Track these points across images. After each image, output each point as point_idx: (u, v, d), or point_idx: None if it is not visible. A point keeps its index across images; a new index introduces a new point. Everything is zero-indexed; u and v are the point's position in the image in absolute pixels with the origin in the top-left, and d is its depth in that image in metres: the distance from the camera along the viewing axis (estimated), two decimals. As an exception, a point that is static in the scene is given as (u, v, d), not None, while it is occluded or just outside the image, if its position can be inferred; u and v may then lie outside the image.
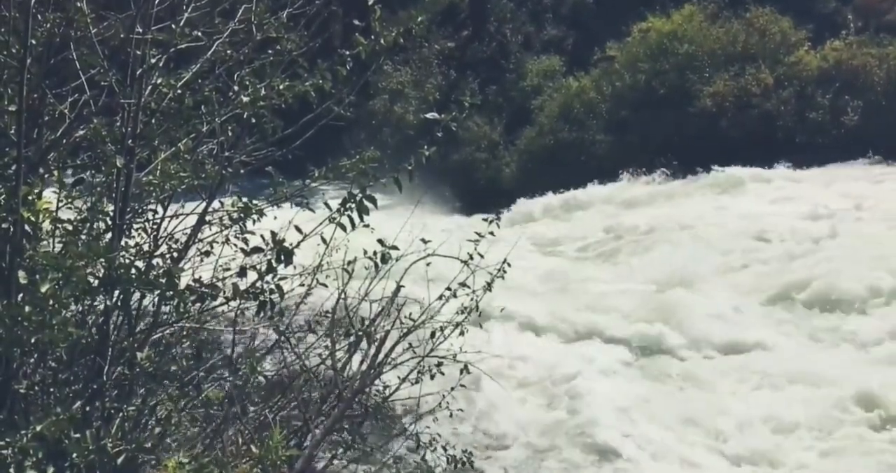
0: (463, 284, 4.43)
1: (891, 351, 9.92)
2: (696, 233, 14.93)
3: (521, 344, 10.99)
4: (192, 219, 3.71)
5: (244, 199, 3.51)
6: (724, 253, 13.63)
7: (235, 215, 3.51)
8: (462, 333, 4.43)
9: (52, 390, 3.05)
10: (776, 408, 8.80)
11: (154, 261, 3.23)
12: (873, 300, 11.32)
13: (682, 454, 8.20)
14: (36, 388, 2.96)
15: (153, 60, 3.29)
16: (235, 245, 3.50)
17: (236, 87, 3.50)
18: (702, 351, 10.66)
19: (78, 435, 2.51)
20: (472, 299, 4.48)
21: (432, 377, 4.49)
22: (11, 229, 2.65)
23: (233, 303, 3.23)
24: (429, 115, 3.81)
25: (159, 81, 3.35)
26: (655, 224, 15.89)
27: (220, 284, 3.13)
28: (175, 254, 3.63)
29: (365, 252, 3.75)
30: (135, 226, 3.61)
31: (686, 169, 19.12)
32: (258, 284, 3.12)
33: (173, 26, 3.42)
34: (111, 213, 3.15)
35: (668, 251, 13.95)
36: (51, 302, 2.53)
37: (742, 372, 9.96)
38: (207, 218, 3.70)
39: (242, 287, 3.11)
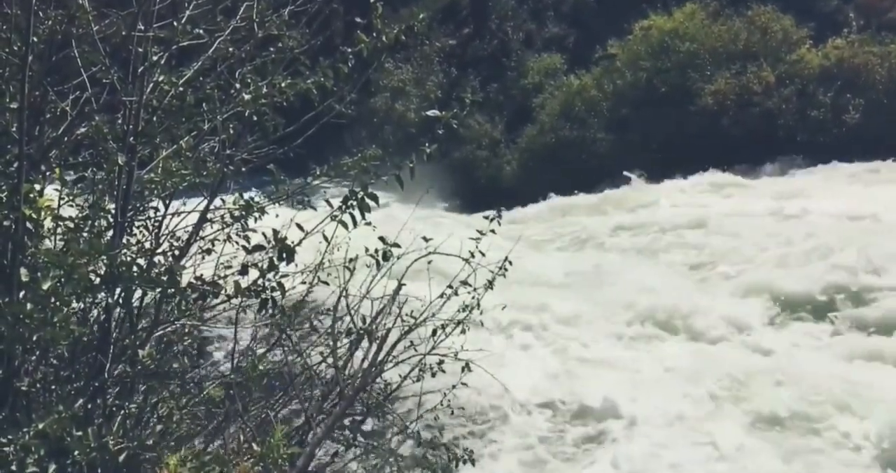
0: (465, 282, 4.43)
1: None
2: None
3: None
4: (194, 217, 3.71)
5: (246, 197, 3.51)
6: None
7: (237, 213, 3.51)
8: (464, 331, 4.43)
9: (53, 387, 3.05)
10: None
11: (155, 259, 3.23)
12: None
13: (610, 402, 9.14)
14: (38, 386, 2.96)
15: (155, 58, 3.29)
16: (237, 243, 3.50)
17: (238, 85, 3.50)
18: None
19: (80, 433, 2.51)
20: (472, 297, 4.48)
21: (433, 375, 4.48)
22: (13, 226, 2.65)
23: (234, 301, 3.23)
24: (430, 113, 3.80)
25: (161, 79, 3.34)
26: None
27: (221, 282, 3.13)
28: (176, 252, 3.63)
29: (367, 249, 3.75)
30: (136, 223, 3.61)
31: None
32: (260, 282, 3.13)
33: (175, 24, 3.42)
34: (112, 211, 3.15)
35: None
36: (52, 299, 2.53)
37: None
38: (209, 215, 3.70)
39: (244, 285, 3.11)
